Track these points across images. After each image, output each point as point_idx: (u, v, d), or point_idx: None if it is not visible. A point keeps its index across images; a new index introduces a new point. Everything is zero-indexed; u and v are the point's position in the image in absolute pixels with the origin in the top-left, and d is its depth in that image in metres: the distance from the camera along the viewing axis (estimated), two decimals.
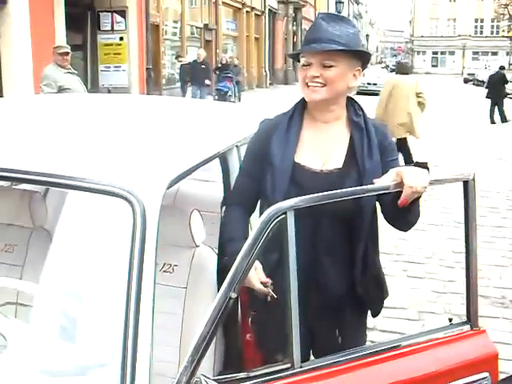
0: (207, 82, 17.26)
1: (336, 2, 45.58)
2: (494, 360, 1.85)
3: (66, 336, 1.90)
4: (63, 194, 2.67)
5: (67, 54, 8.32)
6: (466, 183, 1.86)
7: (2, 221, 2.74)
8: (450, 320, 1.91)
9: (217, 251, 2.59)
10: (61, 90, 7.69)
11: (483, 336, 1.87)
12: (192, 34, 23.75)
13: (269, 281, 1.85)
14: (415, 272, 5.80)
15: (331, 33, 2.09)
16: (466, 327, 1.89)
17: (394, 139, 8.57)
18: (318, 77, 2.10)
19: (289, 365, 1.63)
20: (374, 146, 2.15)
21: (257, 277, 1.87)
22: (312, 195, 1.68)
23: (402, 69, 10.10)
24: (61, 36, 13.32)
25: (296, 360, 1.62)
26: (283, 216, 1.59)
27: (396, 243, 6.25)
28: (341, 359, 1.70)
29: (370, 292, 2.22)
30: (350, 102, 2.27)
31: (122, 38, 17.19)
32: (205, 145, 2.21)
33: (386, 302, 2.42)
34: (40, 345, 1.86)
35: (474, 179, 1.85)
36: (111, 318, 1.92)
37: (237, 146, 2.47)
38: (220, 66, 20.36)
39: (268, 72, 32.67)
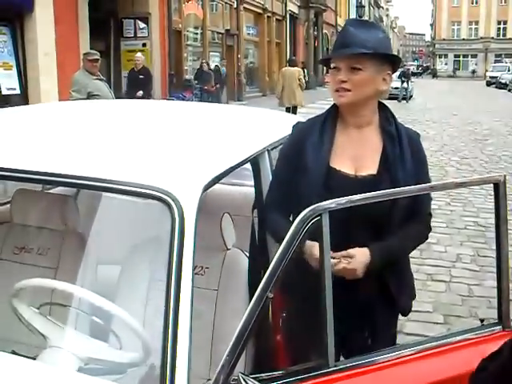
0: (138, 93, 12.25)
1: (357, 7, 45.58)
2: None
3: (104, 336, 1.94)
4: (95, 196, 2.73)
5: (97, 60, 8.45)
6: (496, 185, 1.88)
7: (35, 224, 2.79)
8: (482, 321, 1.93)
9: (247, 254, 2.63)
10: (90, 96, 7.80)
11: None
12: (214, 39, 23.87)
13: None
14: (440, 276, 5.79)
15: (359, 37, 2.13)
16: (498, 328, 1.90)
17: (287, 106, 14.52)
18: (345, 81, 2.14)
19: (323, 363, 1.66)
20: (407, 155, 2.19)
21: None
22: (346, 197, 1.71)
23: (292, 62, 16.25)
24: (85, 43, 13.48)
25: (330, 359, 1.66)
26: (318, 218, 1.62)
27: (420, 247, 6.23)
28: (374, 359, 1.73)
29: (401, 292, 2.26)
30: (382, 108, 2.30)
31: (144, 45, 17.33)
32: (238, 148, 2.26)
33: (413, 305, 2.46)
34: (79, 344, 1.91)
35: (504, 181, 1.87)
36: (149, 318, 1.98)
37: (268, 150, 2.51)
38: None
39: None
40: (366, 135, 2.23)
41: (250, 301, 2.48)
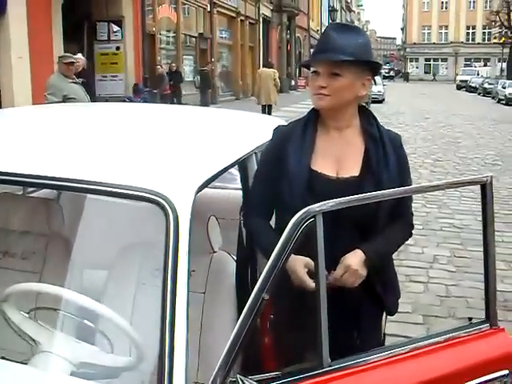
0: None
1: (329, 11, 45.88)
2: None
3: (96, 340, 1.94)
4: (80, 199, 2.71)
5: (72, 63, 8.39)
6: (483, 186, 1.91)
7: (18, 228, 2.77)
8: (470, 319, 1.96)
9: (234, 257, 2.64)
10: (65, 99, 7.72)
11: (503, 334, 1.92)
12: (187, 42, 23.83)
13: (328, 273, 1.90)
14: (418, 277, 5.86)
15: (339, 43, 2.13)
16: (486, 326, 1.94)
17: (263, 104, 16.23)
18: (324, 87, 2.15)
19: (318, 364, 1.68)
20: (390, 156, 2.20)
21: (303, 269, 1.96)
22: (340, 199, 1.72)
23: (268, 64, 18.96)
24: (58, 46, 13.37)
25: (325, 359, 1.67)
26: (312, 220, 1.63)
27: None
28: (367, 358, 1.75)
29: (386, 291, 2.29)
30: (363, 110, 2.30)
31: (118, 48, 17.27)
32: (227, 151, 2.26)
33: None
34: (70, 349, 1.90)
35: (491, 182, 1.90)
36: (137, 322, 1.97)
37: (255, 153, 2.52)
38: None
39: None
40: (348, 137, 2.24)
41: (238, 303, 2.52)
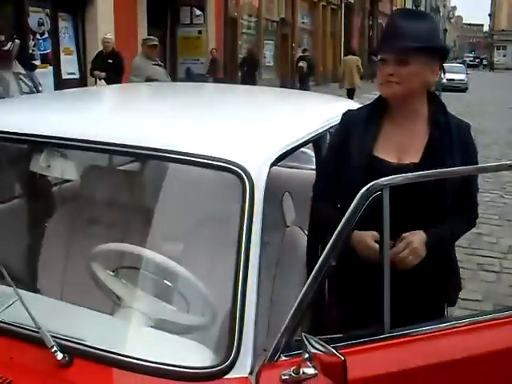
0: (101, 74, 9.94)
1: None
2: None
3: (174, 299, 2.09)
4: (162, 171, 2.88)
5: (156, 46, 8.68)
6: None
7: (104, 199, 2.94)
8: None
9: (306, 232, 2.75)
10: (148, 80, 8.00)
11: None
12: (268, 28, 23.93)
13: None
14: (491, 267, 5.81)
15: (406, 29, 2.11)
16: None
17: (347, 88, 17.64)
18: (392, 74, 2.14)
19: (379, 330, 1.78)
20: (455, 145, 2.18)
21: (370, 238, 2.01)
22: (407, 174, 1.81)
23: (352, 52, 19.80)
24: (143, 30, 13.78)
25: (386, 325, 1.77)
26: (379, 193, 1.73)
27: (470, 237, 6.24)
28: (426, 328, 1.84)
29: (447, 281, 2.29)
30: (433, 98, 2.28)
31: (200, 32, 17.56)
32: (301, 128, 2.37)
33: (462, 294, 2.49)
34: (150, 306, 2.05)
35: None
36: (217, 287, 2.11)
37: (329, 132, 2.61)
38: None
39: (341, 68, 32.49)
40: (413, 125, 2.23)
41: (308, 275, 2.62)
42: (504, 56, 79.19)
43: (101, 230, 2.75)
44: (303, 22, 28.03)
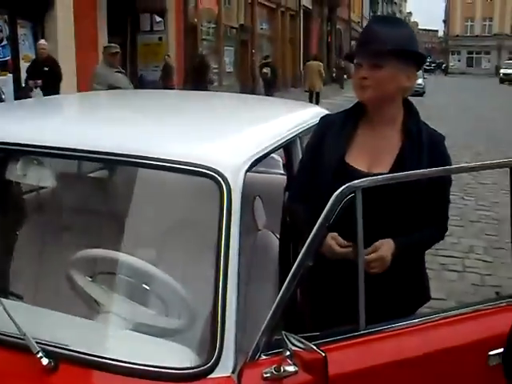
0: (36, 82, 9.93)
1: (370, 2, 45.42)
2: None
3: (153, 303, 2.12)
4: (134, 176, 2.89)
5: (117, 53, 8.66)
6: None
7: (75, 206, 2.94)
8: (497, 293, 2.10)
9: (277, 235, 2.80)
10: (110, 88, 7.98)
11: None
12: (228, 34, 24.00)
13: (350, 244, 2.01)
14: (453, 266, 5.95)
15: (381, 34, 2.16)
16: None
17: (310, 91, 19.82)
18: (366, 78, 2.17)
19: (355, 327, 1.84)
20: (424, 157, 2.18)
21: (335, 243, 2.06)
22: (380, 176, 1.88)
23: (314, 57, 22.14)
24: (103, 36, 13.70)
25: (361, 323, 1.84)
26: (352, 195, 1.79)
27: None
28: (400, 324, 1.91)
29: (409, 294, 2.26)
30: (407, 106, 2.30)
31: (160, 38, 17.52)
32: (274, 134, 2.42)
33: None
34: (129, 311, 2.08)
35: None
36: (197, 289, 2.14)
37: (299, 137, 2.68)
38: None
39: (303, 72, 32.75)
40: (387, 133, 2.25)
41: (281, 278, 2.68)
42: (459, 61, 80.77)
43: (74, 236, 2.75)
44: (262, 28, 28.16)
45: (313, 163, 2.31)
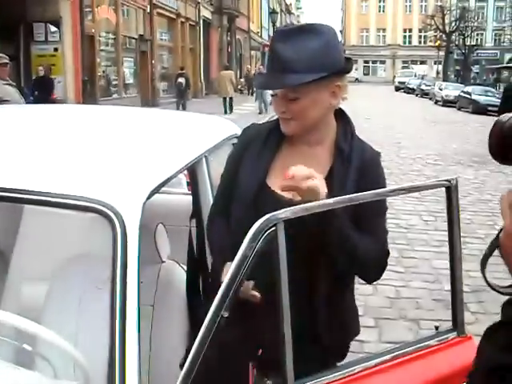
0: None
1: (269, 13, 46.02)
2: None
3: (38, 365, 1.78)
4: (18, 210, 2.53)
5: (6, 64, 8.10)
6: (448, 189, 1.83)
7: None
8: (437, 328, 1.87)
9: (183, 266, 2.50)
10: None
11: (470, 343, 1.85)
12: (127, 45, 23.45)
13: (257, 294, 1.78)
14: None
15: (288, 58, 1.81)
16: (453, 334, 1.86)
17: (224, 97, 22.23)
18: (284, 112, 1.90)
19: (282, 381, 1.56)
20: (351, 174, 1.90)
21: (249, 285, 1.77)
22: (303, 205, 1.59)
23: (226, 67, 25.38)
24: None
25: (290, 377, 1.55)
26: (273, 228, 1.50)
27: None
28: (331, 376, 1.64)
29: (331, 327, 1.98)
30: (342, 121, 2.01)
31: (56, 49, 16.85)
32: (175, 156, 2.12)
33: None
34: (8, 376, 1.73)
35: (456, 185, 1.82)
36: (88, 340, 1.82)
37: (205, 156, 2.38)
38: None
39: (203, 82, 32.59)
40: (315, 152, 1.96)
41: (189, 314, 2.38)
42: (356, 69, 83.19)
43: None
44: (162, 39, 27.77)
45: (232, 180, 1.99)
